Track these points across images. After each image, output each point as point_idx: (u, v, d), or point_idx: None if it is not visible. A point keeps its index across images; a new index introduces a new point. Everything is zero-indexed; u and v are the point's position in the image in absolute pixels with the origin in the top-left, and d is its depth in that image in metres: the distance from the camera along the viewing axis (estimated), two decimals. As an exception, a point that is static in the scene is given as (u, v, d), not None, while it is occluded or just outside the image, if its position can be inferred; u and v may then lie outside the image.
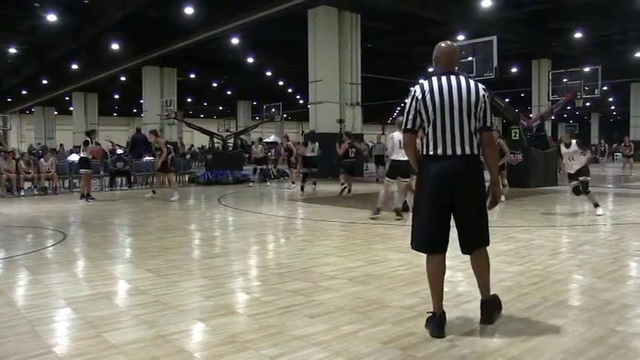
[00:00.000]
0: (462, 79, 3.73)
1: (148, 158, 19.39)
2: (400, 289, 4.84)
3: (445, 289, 4.83)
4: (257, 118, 45.66)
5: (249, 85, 42.38)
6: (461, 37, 23.54)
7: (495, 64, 14.10)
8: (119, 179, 18.57)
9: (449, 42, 3.90)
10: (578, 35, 27.61)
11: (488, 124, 3.74)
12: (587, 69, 20.40)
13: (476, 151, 3.70)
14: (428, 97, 3.66)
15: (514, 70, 35.94)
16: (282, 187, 17.75)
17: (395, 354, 3.36)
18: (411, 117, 3.73)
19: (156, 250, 6.99)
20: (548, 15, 24.80)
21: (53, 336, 3.82)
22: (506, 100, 22.90)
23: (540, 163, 16.30)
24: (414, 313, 4.16)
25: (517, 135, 16.31)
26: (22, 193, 15.89)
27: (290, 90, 45.01)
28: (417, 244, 3.85)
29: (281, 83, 42.18)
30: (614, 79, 32.73)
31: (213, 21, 23.99)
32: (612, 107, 56.73)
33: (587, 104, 36.16)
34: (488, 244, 3.87)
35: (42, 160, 16.66)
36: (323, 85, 21.13)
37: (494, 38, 14.35)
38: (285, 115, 37.02)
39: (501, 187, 4.34)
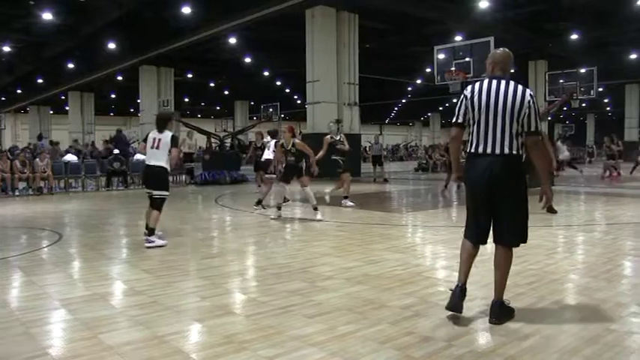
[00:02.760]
0: (512, 83, 3.94)
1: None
2: (397, 289, 4.84)
3: (441, 288, 4.88)
4: (254, 118, 45.60)
5: (246, 85, 42.34)
6: (458, 38, 23.57)
7: (492, 64, 14.12)
8: (115, 179, 18.52)
9: (506, 49, 4.16)
10: (574, 37, 27.67)
11: (532, 129, 3.87)
12: (583, 70, 20.51)
13: (515, 152, 3.86)
14: (476, 97, 3.92)
15: (511, 71, 35.92)
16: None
17: (392, 354, 3.36)
18: (462, 112, 3.99)
19: (152, 251, 6.97)
20: (544, 16, 24.83)
21: (48, 338, 3.80)
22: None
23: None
24: (412, 313, 4.16)
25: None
26: (17, 193, 15.84)
27: (287, 90, 44.96)
28: (465, 234, 4.13)
29: (278, 83, 42.13)
30: (610, 80, 32.85)
31: (210, 21, 23.94)
32: (608, 108, 56.87)
33: (584, 105, 36.32)
34: (519, 242, 4.01)
35: (37, 159, 16.59)
36: (321, 85, 21.12)
37: (492, 39, 14.37)
38: (282, 115, 37.02)
39: None
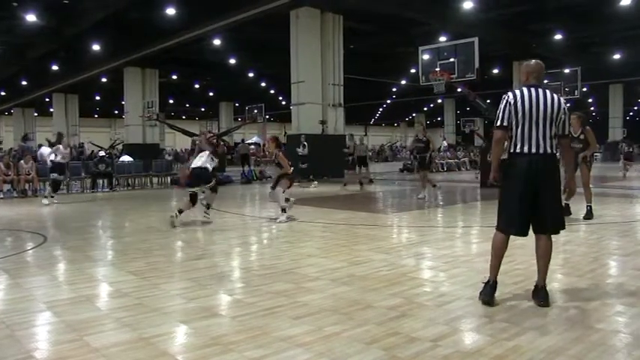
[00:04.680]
0: (548, 92, 4.42)
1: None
2: (383, 290, 4.85)
3: (427, 289, 4.91)
4: (239, 119, 45.57)
5: (231, 87, 42.26)
6: (443, 39, 23.66)
7: (477, 65, 14.19)
8: (100, 181, 18.41)
9: (539, 61, 4.60)
10: (558, 37, 27.90)
11: (566, 132, 4.45)
12: (567, 70, 20.67)
13: (554, 151, 4.37)
14: (519, 103, 4.35)
15: (495, 71, 36.15)
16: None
17: (378, 354, 3.37)
18: (506, 117, 4.40)
19: (138, 253, 6.94)
20: (528, 17, 25.01)
21: (33, 340, 3.77)
22: (488, 101, 23.09)
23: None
24: (398, 313, 4.17)
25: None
26: (1, 196, 15.66)
27: (272, 91, 44.93)
28: (501, 225, 4.50)
29: (263, 84, 42.09)
30: (593, 81, 33.16)
31: (195, 22, 23.86)
32: (592, 108, 57.37)
33: (568, 105, 36.58)
34: (560, 229, 4.44)
35: (22, 162, 16.44)
36: (305, 87, 21.11)
37: (476, 39, 14.44)
38: (267, 117, 36.96)
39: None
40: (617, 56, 32.08)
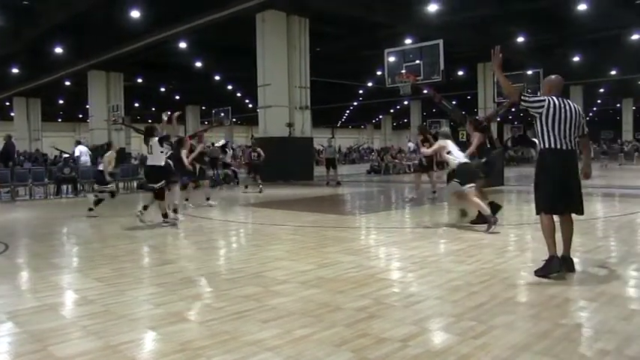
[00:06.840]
0: (569, 101, 5.38)
1: None
2: (352, 292, 4.86)
3: (396, 289, 4.94)
4: (206, 122, 45.26)
5: (197, 90, 41.97)
6: (408, 41, 23.83)
7: (442, 67, 14.33)
8: (65, 187, 18.07)
9: (558, 76, 5.64)
10: (520, 40, 28.37)
11: (585, 132, 5.47)
12: (529, 72, 21.01)
13: (576, 147, 5.32)
14: (551, 108, 5.24)
15: (460, 73, 36.56)
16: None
17: (348, 356, 3.37)
18: (534, 100, 5.40)
19: (104, 259, 6.83)
20: (492, 20, 25.38)
21: (-5, 350, 3.69)
22: (453, 102, 23.34)
23: (487, 164, 16.60)
24: (366, 314, 4.19)
25: (464, 137, 16.61)
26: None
27: (239, 94, 44.74)
28: (541, 208, 5.35)
29: (230, 87, 41.90)
30: (555, 82, 33.80)
31: (160, 24, 23.63)
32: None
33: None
34: (582, 212, 5.40)
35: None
36: (272, 89, 21.09)
37: (441, 42, 14.57)
38: (234, 120, 36.76)
39: None
40: (576, 59, 32.78)
